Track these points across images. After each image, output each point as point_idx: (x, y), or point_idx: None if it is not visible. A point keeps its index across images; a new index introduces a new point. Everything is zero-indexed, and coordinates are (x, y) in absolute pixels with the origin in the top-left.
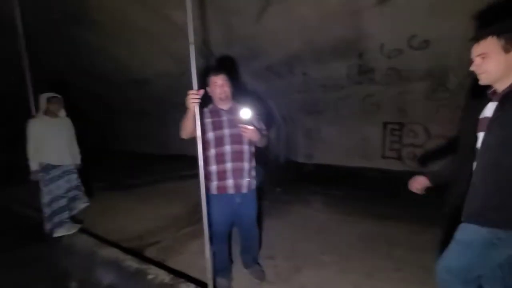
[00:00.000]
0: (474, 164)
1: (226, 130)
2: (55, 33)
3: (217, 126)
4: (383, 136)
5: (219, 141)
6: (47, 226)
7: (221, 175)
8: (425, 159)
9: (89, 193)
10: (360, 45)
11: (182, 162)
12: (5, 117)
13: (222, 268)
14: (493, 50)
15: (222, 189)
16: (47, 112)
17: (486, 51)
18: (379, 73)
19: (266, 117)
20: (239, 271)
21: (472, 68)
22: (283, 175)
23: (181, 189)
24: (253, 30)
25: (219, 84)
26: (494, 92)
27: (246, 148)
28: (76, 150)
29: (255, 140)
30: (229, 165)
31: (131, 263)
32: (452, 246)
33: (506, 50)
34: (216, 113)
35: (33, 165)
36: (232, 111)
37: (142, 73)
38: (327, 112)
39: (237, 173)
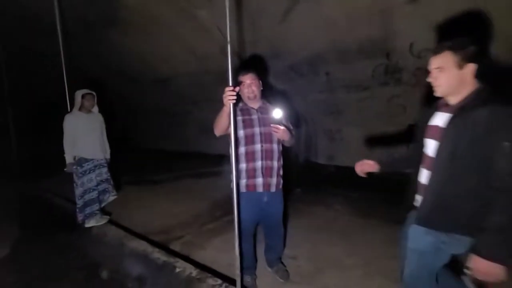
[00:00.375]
0: (421, 168)
1: (257, 128)
2: (89, 34)
3: (248, 125)
4: (408, 140)
5: (250, 139)
6: (80, 216)
7: (251, 173)
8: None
9: (116, 186)
10: (387, 45)
11: (202, 159)
12: (43, 112)
13: (248, 265)
14: (448, 65)
15: (251, 187)
16: (81, 108)
17: (442, 65)
18: (407, 73)
19: (293, 117)
20: (263, 269)
21: (428, 79)
22: (303, 176)
23: (201, 186)
24: (277, 30)
25: (247, 84)
26: (446, 104)
27: (276, 147)
28: (106, 144)
29: (285, 139)
30: (259, 164)
31: (159, 255)
32: (409, 256)
33: (460, 67)
34: (247, 111)
35: (68, 158)
36: (263, 110)
37: (166, 72)
38: (349, 113)
39: (267, 171)
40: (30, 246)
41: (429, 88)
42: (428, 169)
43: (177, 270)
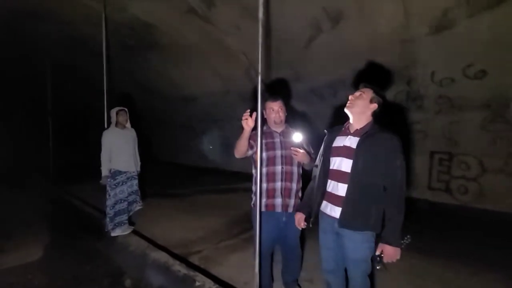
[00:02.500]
0: (334, 182)
1: (278, 151)
2: (127, 55)
3: (270, 147)
4: (430, 166)
5: (271, 161)
6: (110, 225)
7: (271, 193)
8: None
9: (142, 197)
10: (409, 72)
11: (221, 176)
12: (79, 124)
13: (264, 285)
14: (367, 96)
15: (270, 206)
16: (117, 124)
17: (363, 93)
18: (429, 100)
19: (315, 141)
20: None
21: (351, 95)
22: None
23: (220, 202)
24: (300, 55)
25: (275, 110)
26: (347, 130)
27: (295, 169)
28: (138, 158)
29: (305, 162)
30: (278, 184)
31: (179, 268)
32: (354, 265)
33: (371, 101)
34: (269, 134)
35: (104, 171)
36: (285, 134)
37: (192, 91)
38: None
39: (286, 192)
40: (61, 250)
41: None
42: (344, 182)
43: (197, 283)
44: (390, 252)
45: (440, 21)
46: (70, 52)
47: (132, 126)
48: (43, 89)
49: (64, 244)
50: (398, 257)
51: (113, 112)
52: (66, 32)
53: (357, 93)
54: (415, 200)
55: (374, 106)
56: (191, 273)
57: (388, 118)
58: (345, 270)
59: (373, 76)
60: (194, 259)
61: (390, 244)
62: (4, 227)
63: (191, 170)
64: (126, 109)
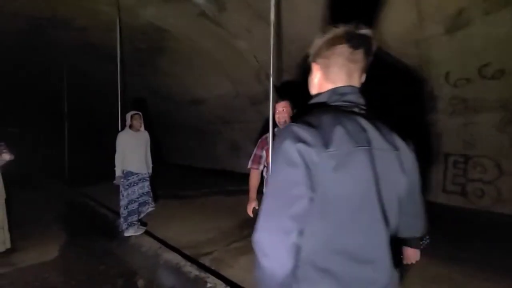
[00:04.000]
0: None
1: None
2: (138, 59)
3: None
4: (444, 169)
5: None
6: (123, 225)
7: None
8: None
9: (154, 199)
10: (421, 73)
11: (230, 177)
12: (93, 128)
13: None
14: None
15: None
16: (131, 127)
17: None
18: (443, 101)
19: None
20: None
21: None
22: None
23: (229, 203)
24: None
25: (279, 111)
26: None
27: None
28: (150, 160)
29: None
30: None
31: (191, 269)
32: None
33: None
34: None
35: (118, 172)
36: None
37: (201, 94)
38: None
39: None
40: (76, 250)
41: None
42: None
43: (208, 285)
44: (409, 254)
45: (455, 20)
46: (86, 57)
47: (145, 130)
48: (60, 93)
49: (79, 244)
50: (418, 258)
51: (128, 115)
52: (81, 38)
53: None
54: (428, 204)
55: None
56: (202, 274)
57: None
58: None
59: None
60: (205, 261)
61: (409, 245)
62: (23, 227)
63: (201, 172)
64: (140, 113)
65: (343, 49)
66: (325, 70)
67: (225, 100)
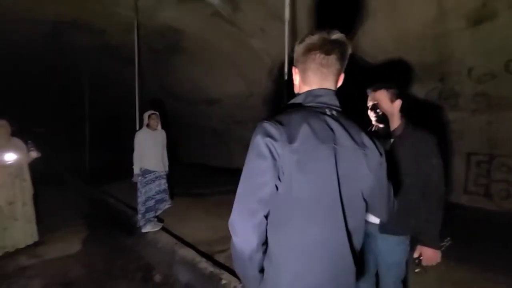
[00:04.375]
0: None
1: None
2: (154, 60)
3: None
4: (466, 169)
5: None
6: (141, 222)
7: None
8: None
9: (171, 196)
10: (442, 69)
11: None
12: (112, 127)
13: None
14: (383, 99)
15: None
16: (148, 126)
17: (379, 99)
18: (465, 98)
19: None
20: None
21: (369, 111)
22: None
23: None
24: None
25: None
26: (378, 131)
27: None
28: (166, 158)
29: None
30: None
31: (206, 265)
32: (388, 269)
33: (391, 101)
34: None
35: (136, 169)
36: None
37: (215, 94)
38: None
39: None
40: (96, 245)
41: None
42: None
43: (223, 282)
44: (429, 255)
45: (479, 13)
46: (105, 59)
47: (162, 129)
48: (81, 95)
49: (99, 239)
50: (439, 260)
51: (146, 115)
52: (101, 40)
53: (372, 104)
54: (449, 205)
55: (398, 102)
56: (217, 271)
57: (420, 118)
58: (377, 275)
59: (399, 75)
60: (220, 258)
61: (429, 246)
62: (48, 222)
63: (215, 171)
64: (157, 113)
65: (316, 55)
66: (302, 74)
67: (239, 100)
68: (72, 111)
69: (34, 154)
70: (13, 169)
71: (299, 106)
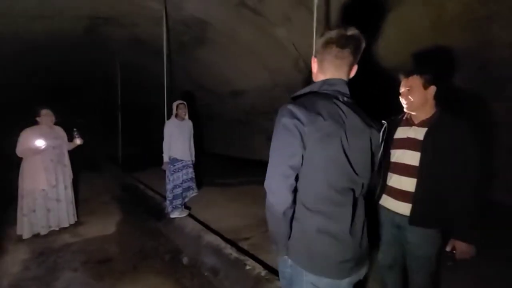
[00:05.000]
0: (397, 175)
1: None
2: (182, 52)
3: None
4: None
5: None
6: (169, 208)
7: None
8: None
9: (198, 185)
10: (484, 55)
11: (266, 168)
12: (143, 117)
13: None
14: (416, 85)
15: None
16: (176, 116)
17: (411, 85)
18: (510, 87)
19: None
20: None
21: (400, 97)
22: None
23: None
24: None
25: None
26: (410, 120)
27: None
28: (193, 148)
29: None
30: None
31: (231, 251)
32: (421, 263)
33: (425, 87)
34: None
35: (166, 158)
36: None
37: (240, 85)
38: None
39: None
40: (129, 227)
41: None
42: (407, 176)
43: (247, 267)
44: (463, 248)
45: None
46: (135, 52)
47: (189, 119)
48: (113, 87)
49: (132, 221)
50: (473, 254)
51: (174, 105)
52: (132, 33)
53: (404, 90)
54: (490, 203)
55: (432, 89)
56: (242, 257)
57: (459, 107)
58: (404, 268)
59: (434, 62)
60: (244, 245)
61: (463, 240)
62: (88, 205)
63: (238, 162)
64: (185, 103)
65: (332, 48)
66: (320, 64)
67: (263, 91)
68: (107, 102)
69: (78, 141)
70: (54, 155)
71: (316, 93)
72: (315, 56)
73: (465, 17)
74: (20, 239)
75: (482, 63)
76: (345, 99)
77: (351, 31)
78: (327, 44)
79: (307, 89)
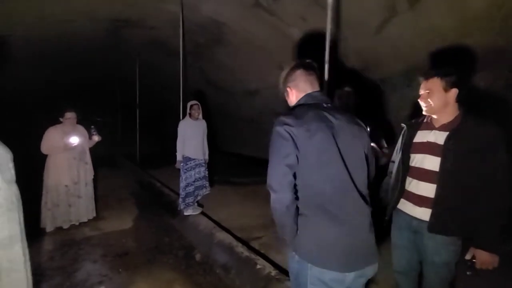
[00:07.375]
0: (415, 180)
1: None
2: (198, 53)
3: None
4: None
5: None
6: (181, 205)
7: None
8: None
9: (210, 183)
10: (510, 55)
11: None
12: (159, 115)
13: None
14: (436, 88)
15: None
16: (190, 116)
17: (431, 88)
18: None
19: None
20: None
21: (419, 100)
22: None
23: None
24: (370, 42)
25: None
26: (431, 123)
27: None
28: (206, 147)
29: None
30: None
31: (242, 250)
32: (436, 270)
33: (446, 90)
34: None
35: (179, 156)
36: None
37: (254, 84)
38: None
39: None
40: (146, 223)
41: None
42: (427, 181)
43: (258, 266)
44: (484, 258)
45: None
46: (153, 53)
47: (203, 119)
48: (132, 86)
49: (148, 217)
50: (496, 264)
51: (188, 105)
52: (150, 35)
53: (424, 93)
54: None
55: (454, 91)
56: (253, 256)
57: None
58: (420, 274)
59: (456, 62)
60: (255, 244)
61: (484, 249)
62: (107, 201)
63: (252, 161)
64: (198, 103)
65: (300, 70)
66: (296, 88)
67: (277, 90)
68: (126, 102)
69: (96, 138)
70: (76, 153)
71: (302, 105)
72: (287, 88)
73: (490, 14)
74: (43, 232)
75: (509, 63)
76: (329, 105)
77: (307, 61)
78: (296, 70)
79: (294, 105)
